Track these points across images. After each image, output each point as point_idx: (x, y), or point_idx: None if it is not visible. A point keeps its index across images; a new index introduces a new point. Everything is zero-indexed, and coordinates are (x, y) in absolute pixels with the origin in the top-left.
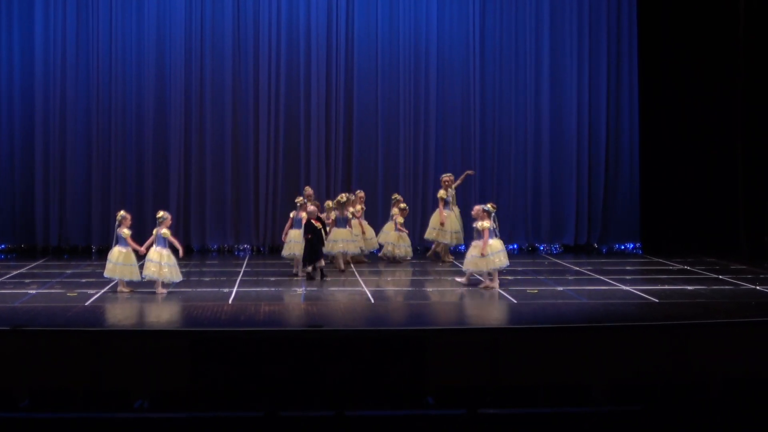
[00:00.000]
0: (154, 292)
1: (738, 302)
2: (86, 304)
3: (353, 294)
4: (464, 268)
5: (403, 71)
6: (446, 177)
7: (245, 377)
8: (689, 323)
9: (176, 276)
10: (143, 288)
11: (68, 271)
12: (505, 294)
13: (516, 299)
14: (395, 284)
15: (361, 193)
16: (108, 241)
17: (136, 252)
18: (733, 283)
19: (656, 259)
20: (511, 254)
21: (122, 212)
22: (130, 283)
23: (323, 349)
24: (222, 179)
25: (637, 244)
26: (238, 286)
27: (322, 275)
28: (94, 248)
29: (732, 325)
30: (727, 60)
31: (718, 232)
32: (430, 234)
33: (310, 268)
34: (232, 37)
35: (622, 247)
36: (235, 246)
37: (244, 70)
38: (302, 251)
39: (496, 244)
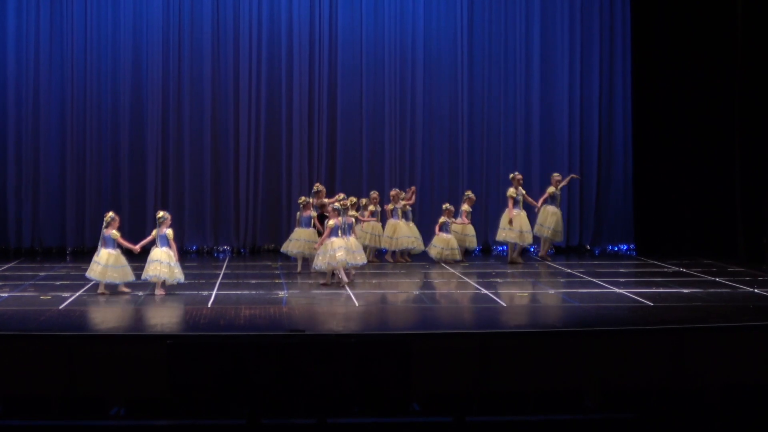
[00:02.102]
0: (142, 294)
1: (735, 306)
2: (60, 307)
3: (337, 297)
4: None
5: (388, 67)
6: (518, 175)
7: (225, 383)
8: (685, 327)
9: (181, 276)
10: (116, 290)
11: (42, 274)
12: (494, 297)
13: (506, 303)
14: (380, 287)
15: (374, 194)
16: (83, 242)
17: (128, 251)
18: (730, 285)
19: (651, 261)
20: (500, 256)
21: (111, 213)
22: (127, 284)
23: (306, 354)
24: (201, 178)
25: (631, 246)
26: (218, 289)
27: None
28: (68, 250)
29: (729, 330)
30: (723, 57)
31: (714, 233)
32: (499, 235)
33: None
34: (212, 31)
35: (616, 249)
36: (215, 247)
37: (223, 65)
38: (311, 250)
39: (338, 241)
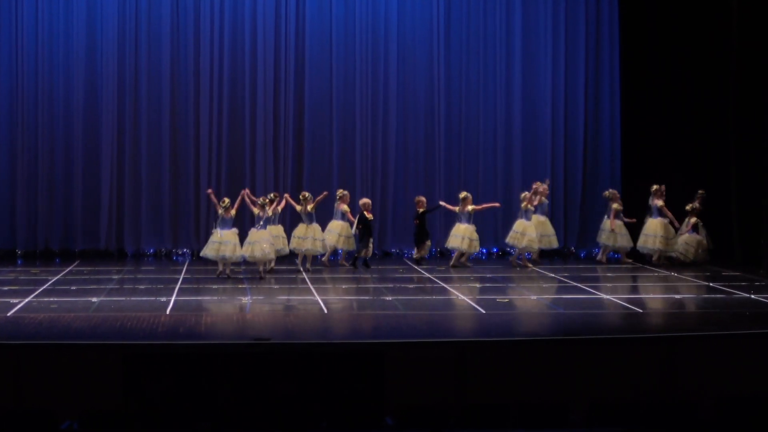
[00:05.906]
0: (96, 300)
1: (731, 312)
2: (8, 314)
3: (305, 304)
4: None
5: (359, 58)
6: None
7: (184, 396)
8: (677, 336)
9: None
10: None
11: None
12: (472, 303)
13: (485, 309)
14: (351, 293)
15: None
16: (35, 244)
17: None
18: (725, 291)
19: (640, 265)
20: (479, 259)
21: (227, 199)
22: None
23: (271, 364)
24: (159, 177)
25: None
26: (177, 295)
27: (367, 265)
28: (19, 252)
29: (724, 338)
30: (718, 49)
31: (709, 235)
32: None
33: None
34: (171, 20)
35: None
36: (174, 250)
37: (183, 56)
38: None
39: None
